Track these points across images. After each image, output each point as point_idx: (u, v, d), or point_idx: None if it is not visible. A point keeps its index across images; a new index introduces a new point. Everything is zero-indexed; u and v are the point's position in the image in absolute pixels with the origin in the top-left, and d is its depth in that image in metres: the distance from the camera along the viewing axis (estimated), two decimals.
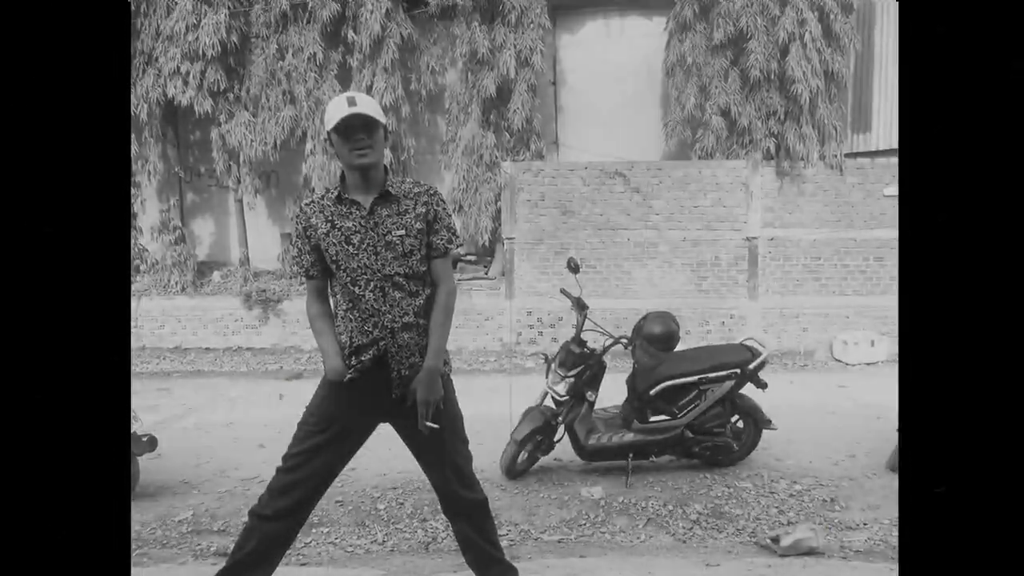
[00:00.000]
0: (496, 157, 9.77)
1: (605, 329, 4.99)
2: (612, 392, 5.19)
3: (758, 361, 4.79)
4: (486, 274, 10.32)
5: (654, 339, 4.84)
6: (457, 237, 2.66)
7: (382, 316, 2.47)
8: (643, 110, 10.65)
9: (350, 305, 2.50)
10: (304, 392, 2.80)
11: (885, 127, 9.77)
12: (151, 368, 9.36)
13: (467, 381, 7.73)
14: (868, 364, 9.04)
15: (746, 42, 9.21)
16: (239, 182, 10.47)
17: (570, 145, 10.89)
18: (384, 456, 4.55)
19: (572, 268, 4.86)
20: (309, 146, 9.90)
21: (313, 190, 9.68)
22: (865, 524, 4.04)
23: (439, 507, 2.77)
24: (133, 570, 3.07)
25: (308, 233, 2.53)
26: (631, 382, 4.90)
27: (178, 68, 9.69)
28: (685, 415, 4.74)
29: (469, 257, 10.75)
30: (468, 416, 2.73)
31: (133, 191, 10.35)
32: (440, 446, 2.57)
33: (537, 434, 4.70)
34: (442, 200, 2.61)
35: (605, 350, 4.86)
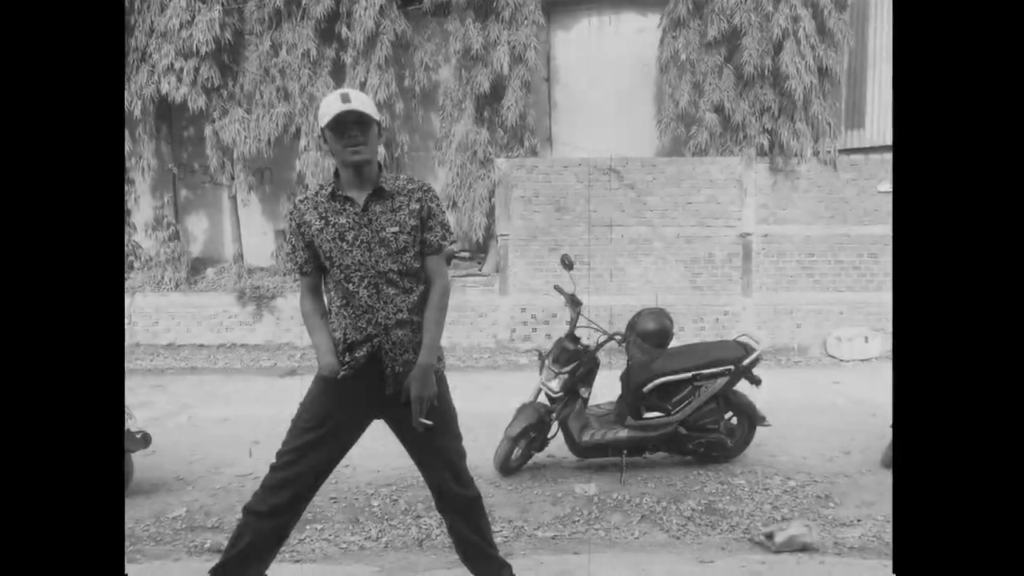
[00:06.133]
0: (490, 153, 9.76)
1: (599, 326, 5.00)
2: (606, 389, 5.20)
3: (752, 357, 4.80)
4: (480, 271, 10.31)
5: (648, 335, 4.84)
6: (451, 234, 2.65)
7: (376, 313, 2.47)
8: (637, 106, 10.65)
9: (344, 302, 2.50)
10: (298, 389, 2.79)
11: (879, 123, 9.79)
12: (145, 365, 9.33)
13: (461, 378, 7.73)
14: (862, 360, 9.07)
15: (740, 38, 9.23)
16: (233, 179, 10.44)
17: (564, 141, 10.89)
18: (378, 453, 4.53)
19: (566, 265, 4.86)
20: (303, 143, 9.88)
21: (307, 187, 9.66)
22: (859, 520, 4.05)
23: (433, 504, 2.77)
24: (127, 567, 3.06)
25: (302, 230, 2.53)
26: (625, 378, 4.91)
27: (172, 65, 9.65)
28: (679, 411, 4.75)
29: (463, 254, 10.74)
30: (462, 412, 2.73)
31: (127, 188, 10.31)
32: (434, 443, 2.57)
33: (531, 431, 4.70)
34: (436, 197, 2.60)
35: (599, 347, 4.86)
